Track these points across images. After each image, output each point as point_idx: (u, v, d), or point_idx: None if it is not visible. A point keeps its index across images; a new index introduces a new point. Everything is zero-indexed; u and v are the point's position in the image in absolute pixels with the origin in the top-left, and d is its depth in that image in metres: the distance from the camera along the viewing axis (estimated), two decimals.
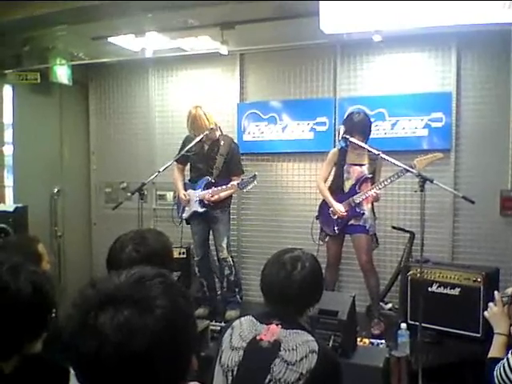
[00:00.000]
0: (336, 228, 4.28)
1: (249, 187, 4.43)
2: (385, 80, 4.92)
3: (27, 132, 5.24)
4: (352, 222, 4.24)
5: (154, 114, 5.82)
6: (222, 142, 4.60)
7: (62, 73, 5.25)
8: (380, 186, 4.13)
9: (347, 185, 4.27)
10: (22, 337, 1.43)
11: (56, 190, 5.63)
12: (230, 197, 4.68)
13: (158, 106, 5.81)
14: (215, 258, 4.90)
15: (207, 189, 4.50)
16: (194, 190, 4.60)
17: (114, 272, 1.04)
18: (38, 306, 1.44)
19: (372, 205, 4.29)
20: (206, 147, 4.60)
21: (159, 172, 4.40)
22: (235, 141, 4.89)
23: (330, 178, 4.43)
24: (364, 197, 4.17)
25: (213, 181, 4.54)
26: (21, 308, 1.39)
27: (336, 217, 4.27)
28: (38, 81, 4.95)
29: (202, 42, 4.75)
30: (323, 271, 4.39)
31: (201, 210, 4.56)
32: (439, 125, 4.69)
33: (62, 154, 5.77)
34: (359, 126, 4.19)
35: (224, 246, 4.60)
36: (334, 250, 4.37)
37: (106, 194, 6.06)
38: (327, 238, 4.36)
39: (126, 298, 0.96)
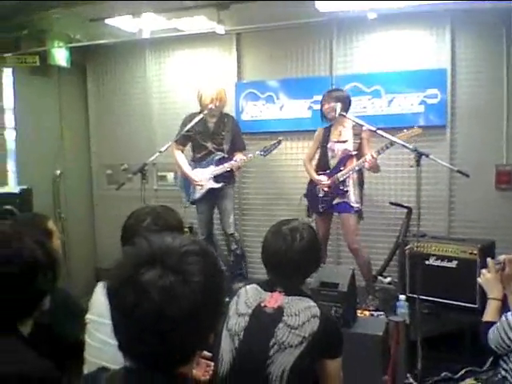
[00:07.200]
0: (321, 206, 4.38)
1: (273, 153, 4.61)
2: (380, 57, 4.95)
3: (28, 115, 5.26)
4: (337, 200, 4.31)
5: (151, 95, 5.84)
6: (225, 119, 4.69)
7: (60, 55, 5.27)
8: (375, 155, 4.07)
9: (332, 163, 4.35)
10: (35, 298, 1.51)
11: (58, 173, 5.68)
12: (234, 173, 4.78)
13: (156, 86, 5.84)
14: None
15: (220, 165, 4.58)
16: (203, 168, 4.66)
17: (166, 233, 1.12)
18: (48, 268, 1.53)
19: (359, 180, 4.32)
20: (211, 125, 4.66)
21: (160, 152, 4.44)
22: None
23: (317, 158, 4.52)
24: (348, 174, 4.22)
25: (225, 156, 4.61)
26: (35, 270, 1.48)
27: (322, 195, 4.35)
28: (37, 64, 4.96)
29: (199, 22, 4.76)
30: None
31: (218, 185, 4.63)
32: (435, 101, 4.75)
33: (62, 137, 5.79)
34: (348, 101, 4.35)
35: (231, 222, 4.73)
36: (322, 228, 4.44)
37: (107, 175, 6.10)
38: (314, 215, 4.46)
39: (174, 264, 1.03)
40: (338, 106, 4.20)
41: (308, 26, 5.01)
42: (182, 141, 4.74)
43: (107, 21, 4.70)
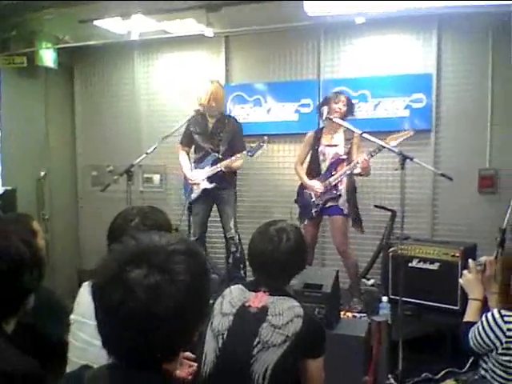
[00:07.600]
0: (313, 211, 4.34)
1: (258, 153, 4.55)
2: (368, 62, 5.00)
3: (14, 116, 5.24)
4: (329, 203, 4.30)
5: (139, 97, 5.85)
6: (226, 120, 4.70)
7: (47, 57, 5.26)
8: (367, 158, 4.08)
9: (323, 167, 4.34)
10: (21, 297, 1.52)
11: (43, 174, 5.64)
12: (234, 177, 4.79)
13: (144, 88, 5.84)
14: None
15: (215, 165, 4.59)
16: (201, 169, 4.68)
17: (154, 232, 1.14)
18: (33, 266, 1.53)
19: (351, 184, 4.32)
20: (211, 126, 4.67)
21: (147, 154, 4.45)
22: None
23: (308, 161, 4.51)
24: (340, 178, 4.22)
25: (220, 157, 4.62)
26: (22, 268, 1.49)
27: (313, 199, 4.33)
28: (25, 64, 4.95)
29: (188, 25, 4.77)
30: None
31: (210, 186, 4.63)
32: (420, 105, 4.82)
33: (47, 138, 5.77)
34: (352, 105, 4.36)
35: (232, 226, 4.73)
36: (311, 232, 4.41)
37: (93, 177, 6.08)
38: (306, 221, 4.41)
39: (161, 263, 1.04)
40: (325, 109, 4.25)
41: (296, 29, 5.05)
42: (185, 142, 4.77)
43: (96, 22, 4.69)
